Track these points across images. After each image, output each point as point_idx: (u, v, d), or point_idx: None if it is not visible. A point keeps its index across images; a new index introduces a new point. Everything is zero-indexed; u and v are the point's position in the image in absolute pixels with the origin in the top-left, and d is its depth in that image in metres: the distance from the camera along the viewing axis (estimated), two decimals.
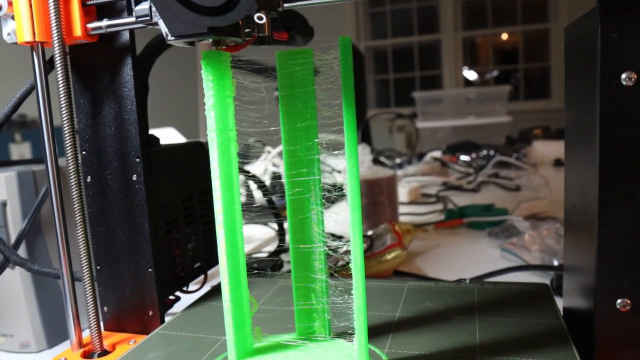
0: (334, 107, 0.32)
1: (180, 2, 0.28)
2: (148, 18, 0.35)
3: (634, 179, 0.31)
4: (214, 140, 0.31)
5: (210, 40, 0.31)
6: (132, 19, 0.37)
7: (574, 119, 0.38)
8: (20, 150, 3.22)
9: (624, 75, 0.30)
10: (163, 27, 0.30)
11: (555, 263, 0.64)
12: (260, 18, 0.29)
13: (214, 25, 0.28)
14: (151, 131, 0.46)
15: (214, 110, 0.31)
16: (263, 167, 1.17)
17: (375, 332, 0.37)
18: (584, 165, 0.35)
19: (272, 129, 0.34)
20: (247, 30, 0.31)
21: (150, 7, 0.35)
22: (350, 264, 0.31)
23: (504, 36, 4.07)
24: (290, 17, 0.38)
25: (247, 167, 1.20)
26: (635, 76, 0.30)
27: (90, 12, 0.39)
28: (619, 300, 0.32)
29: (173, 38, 0.30)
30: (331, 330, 0.38)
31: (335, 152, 0.32)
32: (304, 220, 0.35)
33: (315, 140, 0.34)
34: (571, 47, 0.39)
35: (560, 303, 0.42)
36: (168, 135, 1.51)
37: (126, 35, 0.40)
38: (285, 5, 0.33)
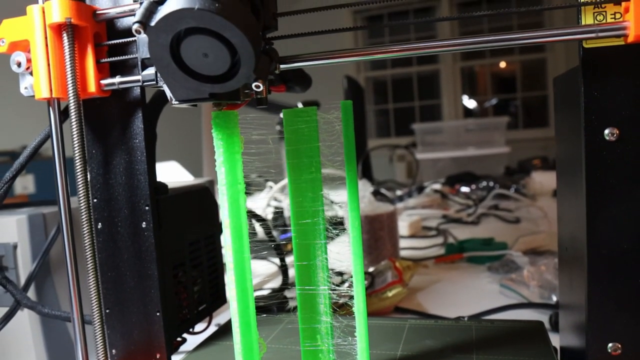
0: (337, 163, 0.34)
1: (184, 71, 0.30)
2: (154, 82, 0.38)
3: (620, 229, 0.32)
4: (224, 193, 0.33)
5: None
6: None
7: (563, 163, 0.40)
8: (24, 182, 3.24)
9: (606, 131, 0.32)
10: (168, 92, 0.32)
11: (554, 298, 0.65)
12: (257, 87, 0.31)
13: (215, 92, 0.30)
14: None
15: (224, 167, 0.33)
16: (265, 201, 1.18)
17: None
18: (573, 210, 0.36)
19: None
20: (246, 91, 0.33)
21: (156, 72, 0.37)
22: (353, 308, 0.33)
23: (502, 64, 4.13)
24: (287, 70, 0.40)
25: (249, 202, 1.21)
26: (618, 132, 0.32)
27: (104, 69, 0.41)
28: (610, 344, 0.33)
29: (177, 102, 0.32)
30: None
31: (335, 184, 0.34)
32: (309, 266, 0.37)
33: (320, 192, 0.36)
34: (559, 97, 0.41)
35: (558, 339, 0.43)
36: (171, 170, 1.53)
37: (137, 91, 0.42)
38: (282, 66, 0.35)
